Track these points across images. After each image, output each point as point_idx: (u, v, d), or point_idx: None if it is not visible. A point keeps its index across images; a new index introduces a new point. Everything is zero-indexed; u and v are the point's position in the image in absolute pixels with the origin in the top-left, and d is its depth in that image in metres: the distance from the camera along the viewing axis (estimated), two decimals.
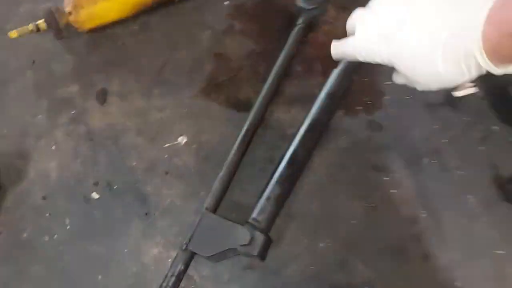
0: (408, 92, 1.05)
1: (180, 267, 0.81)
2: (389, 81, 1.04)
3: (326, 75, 1.06)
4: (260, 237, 0.80)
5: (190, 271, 0.85)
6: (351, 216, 0.93)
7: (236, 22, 1.11)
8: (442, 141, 1.07)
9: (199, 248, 0.81)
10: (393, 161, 1.03)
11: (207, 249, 0.81)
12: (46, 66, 1.00)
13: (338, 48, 0.79)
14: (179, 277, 0.81)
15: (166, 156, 0.98)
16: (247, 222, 0.83)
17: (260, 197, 0.87)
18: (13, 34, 0.95)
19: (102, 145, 0.96)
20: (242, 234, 0.79)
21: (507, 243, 1.01)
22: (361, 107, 1.05)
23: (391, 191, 0.97)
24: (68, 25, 0.98)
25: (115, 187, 0.93)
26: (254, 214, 0.84)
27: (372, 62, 0.74)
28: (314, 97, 0.99)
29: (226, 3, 1.12)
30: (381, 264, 0.95)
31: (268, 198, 0.86)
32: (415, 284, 0.94)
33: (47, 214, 0.90)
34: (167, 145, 0.99)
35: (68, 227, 0.89)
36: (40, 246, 0.88)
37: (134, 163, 0.96)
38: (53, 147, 0.94)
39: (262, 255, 0.81)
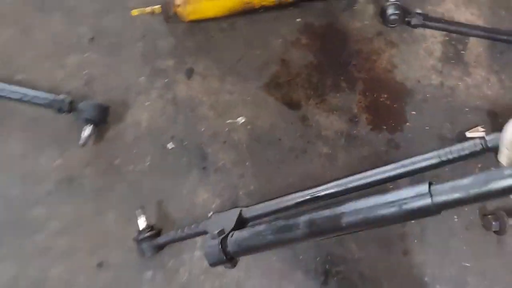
0: (427, 124, 1.31)
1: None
2: (414, 112, 1.32)
3: (365, 95, 1.32)
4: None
5: None
6: None
7: (303, 37, 1.38)
8: (445, 168, 1.32)
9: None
10: None
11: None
12: (152, 41, 1.30)
13: None
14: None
15: (226, 130, 1.27)
16: None
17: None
18: (135, 12, 1.25)
19: (182, 110, 1.26)
20: None
21: (474, 259, 1.26)
22: (385, 127, 1.31)
23: None
24: (175, 14, 1.28)
25: (185, 143, 1.24)
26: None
27: None
28: (350, 110, 1.27)
29: (298, 20, 1.39)
30: (370, 249, 1.22)
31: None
32: (391, 270, 1.21)
33: (134, 151, 1.21)
34: (229, 121, 1.28)
35: (147, 163, 1.21)
36: (125, 172, 1.19)
37: (202, 129, 1.26)
38: (147, 103, 1.25)
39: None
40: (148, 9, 1.26)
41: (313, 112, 1.30)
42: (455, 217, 1.28)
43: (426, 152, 1.04)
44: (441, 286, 1.22)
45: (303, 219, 0.83)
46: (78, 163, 1.18)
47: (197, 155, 1.23)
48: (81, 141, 1.16)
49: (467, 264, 1.24)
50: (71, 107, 1.16)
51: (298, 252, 1.21)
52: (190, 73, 1.30)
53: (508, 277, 1.27)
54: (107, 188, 1.18)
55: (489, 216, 1.25)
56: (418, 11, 1.40)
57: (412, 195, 0.73)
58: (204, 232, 1.05)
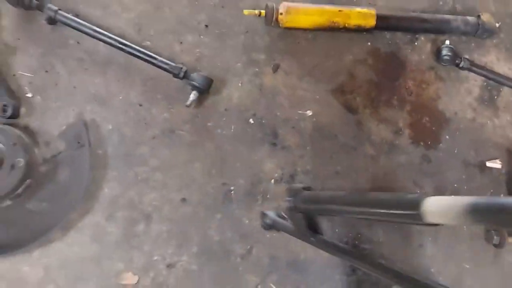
0: (456, 148, 1.60)
1: None
2: (448, 136, 1.62)
3: (411, 114, 1.62)
4: None
5: None
6: None
7: (370, 58, 1.68)
8: (464, 187, 1.61)
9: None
10: (428, 184, 1.58)
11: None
12: (252, 37, 1.61)
13: None
14: None
15: (296, 118, 1.58)
16: None
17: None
18: (246, 12, 1.56)
19: (265, 96, 1.57)
20: None
21: (474, 263, 1.55)
22: (423, 143, 1.61)
23: None
24: (276, 20, 1.59)
25: (263, 121, 1.55)
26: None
27: None
28: (397, 124, 1.57)
29: (368, 43, 1.69)
30: (393, 236, 1.52)
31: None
32: (407, 257, 1.51)
33: (224, 119, 1.52)
34: (299, 111, 1.58)
35: (232, 131, 1.52)
36: (215, 135, 1.51)
37: (277, 113, 1.57)
38: (240, 84, 1.56)
39: None
40: (256, 11, 1.57)
41: (367, 119, 1.61)
42: (464, 227, 1.58)
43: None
44: (443, 278, 1.51)
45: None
46: (181, 119, 1.50)
47: (271, 133, 1.54)
48: (188, 103, 1.47)
49: (467, 266, 1.53)
50: (185, 75, 1.48)
51: (335, 226, 1.52)
52: (276, 68, 1.61)
53: (499, 284, 1.57)
54: (199, 143, 1.49)
55: (492, 231, 1.55)
56: (466, 56, 1.70)
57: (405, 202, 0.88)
58: None
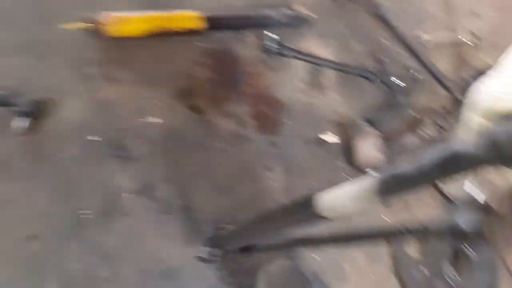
0: (295, 130, 1.74)
1: None
2: (286, 120, 1.74)
3: (252, 105, 1.72)
4: None
5: None
6: None
7: (204, 58, 1.74)
8: (310, 164, 1.75)
9: None
10: (278, 167, 1.69)
11: None
12: (79, 51, 1.54)
13: None
14: None
15: (141, 127, 1.56)
16: None
17: None
18: (68, 26, 1.49)
19: (104, 109, 1.51)
20: None
21: None
22: (266, 130, 1.73)
23: None
24: (102, 31, 1.54)
25: (107, 136, 1.49)
26: None
27: None
28: (241, 117, 1.66)
29: (200, 44, 1.75)
30: None
31: None
32: None
33: (62, 141, 1.42)
34: (143, 120, 1.56)
35: (74, 151, 1.43)
36: (55, 159, 1.40)
37: (121, 126, 1.52)
38: (75, 102, 1.48)
39: None
40: (80, 24, 1.50)
41: (212, 117, 1.66)
42: None
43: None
44: None
45: None
46: (9, 150, 1.36)
47: (117, 147, 1.49)
48: (16, 130, 1.35)
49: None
50: (6, 101, 1.35)
51: None
52: (111, 79, 1.56)
53: None
54: (37, 172, 1.37)
55: None
56: (288, 45, 1.86)
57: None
58: None
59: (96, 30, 1.54)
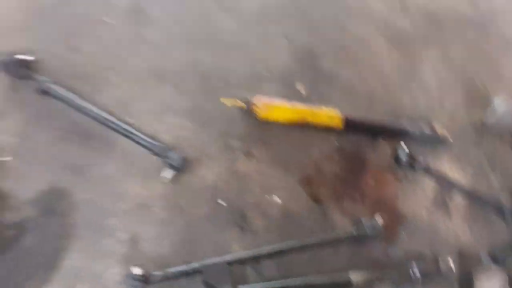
0: (413, 245, 1.69)
1: None
2: (404, 233, 1.70)
3: (371, 209, 1.73)
4: None
5: None
6: None
7: (336, 154, 1.83)
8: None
9: None
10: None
11: None
12: (230, 124, 1.74)
13: None
14: None
15: (265, 203, 1.65)
16: None
17: None
18: (228, 102, 1.71)
19: (237, 180, 1.65)
20: None
21: None
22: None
23: None
24: (254, 112, 1.74)
25: (233, 204, 1.61)
26: None
27: None
28: (359, 217, 1.67)
29: (335, 142, 1.85)
30: None
31: None
32: None
33: (196, 198, 1.58)
34: (268, 197, 1.66)
35: (203, 210, 1.56)
36: (187, 213, 1.55)
37: (247, 198, 1.64)
38: (214, 166, 1.65)
39: None
40: (238, 102, 1.72)
41: (331, 210, 1.70)
42: None
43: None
44: None
45: None
46: (154, 195, 1.55)
47: (239, 216, 1.60)
48: (164, 179, 1.54)
49: None
50: (165, 154, 1.56)
51: None
52: (249, 154, 1.72)
53: None
54: (170, 220, 1.53)
55: None
56: (421, 160, 1.87)
57: None
58: None
59: (248, 110, 1.74)
